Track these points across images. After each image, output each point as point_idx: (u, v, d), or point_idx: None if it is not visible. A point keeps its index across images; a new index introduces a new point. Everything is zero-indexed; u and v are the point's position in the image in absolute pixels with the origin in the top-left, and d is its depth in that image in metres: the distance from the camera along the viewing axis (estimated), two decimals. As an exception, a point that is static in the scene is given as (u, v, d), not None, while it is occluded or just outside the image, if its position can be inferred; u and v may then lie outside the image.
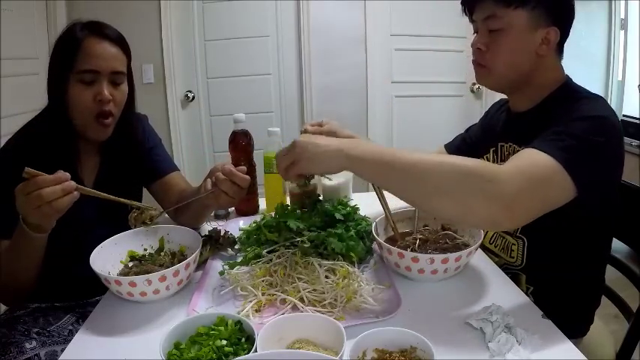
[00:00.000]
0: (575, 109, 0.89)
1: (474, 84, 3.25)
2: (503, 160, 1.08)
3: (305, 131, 1.00)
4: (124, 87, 1.14)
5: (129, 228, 1.02)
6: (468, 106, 3.26)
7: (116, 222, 1.04)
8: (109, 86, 1.08)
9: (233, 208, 1.38)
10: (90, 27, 1.08)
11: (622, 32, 3.18)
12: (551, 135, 0.85)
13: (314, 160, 0.86)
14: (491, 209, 0.78)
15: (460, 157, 0.83)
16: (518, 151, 1.01)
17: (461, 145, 1.29)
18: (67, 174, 0.86)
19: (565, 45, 1.02)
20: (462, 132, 1.34)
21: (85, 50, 1.05)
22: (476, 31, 1.03)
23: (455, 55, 3.19)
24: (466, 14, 1.05)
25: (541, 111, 1.00)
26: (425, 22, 3.11)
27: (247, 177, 0.99)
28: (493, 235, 1.14)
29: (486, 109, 1.30)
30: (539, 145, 0.84)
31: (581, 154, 0.82)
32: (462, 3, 1.05)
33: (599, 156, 0.84)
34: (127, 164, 1.22)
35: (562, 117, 0.88)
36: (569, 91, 0.99)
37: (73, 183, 0.86)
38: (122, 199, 0.98)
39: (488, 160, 1.15)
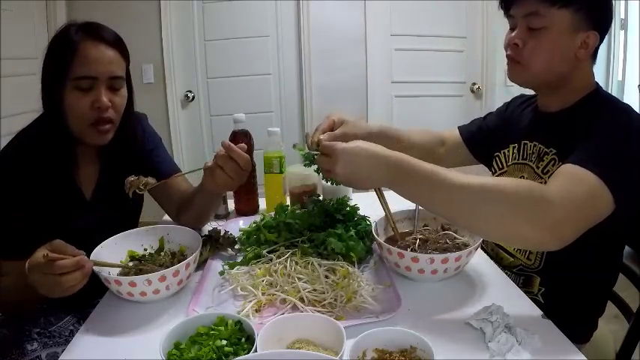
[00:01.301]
0: (611, 120, 0.90)
1: (473, 84, 3.25)
2: (525, 158, 1.08)
3: (317, 143, 0.93)
4: (123, 91, 1.08)
5: None
6: (468, 106, 3.26)
7: (115, 231, 1.02)
8: (107, 92, 1.02)
9: (233, 208, 1.38)
10: (85, 29, 1.01)
11: (622, 32, 3.18)
12: (592, 149, 0.85)
13: (354, 182, 0.87)
14: (540, 233, 0.78)
15: (506, 179, 0.83)
16: (544, 151, 1.01)
17: (476, 133, 1.27)
18: (84, 257, 0.81)
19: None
20: (480, 117, 1.31)
21: (81, 55, 0.99)
22: (512, 27, 1.01)
23: (455, 55, 3.20)
24: (502, 8, 1.02)
25: (572, 114, 1.00)
26: (425, 22, 3.11)
27: (246, 155, 0.97)
28: None
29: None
30: (581, 160, 0.83)
31: (621, 170, 0.82)
32: None
33: (636, 170, 0.85)
34: (128, 168, 1.19)
35: (597, 127, 0.88)
36: (601, 98, 0.99)
37: (90, 264, 0.82)
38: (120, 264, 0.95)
39: (506, 155, 1.14)
